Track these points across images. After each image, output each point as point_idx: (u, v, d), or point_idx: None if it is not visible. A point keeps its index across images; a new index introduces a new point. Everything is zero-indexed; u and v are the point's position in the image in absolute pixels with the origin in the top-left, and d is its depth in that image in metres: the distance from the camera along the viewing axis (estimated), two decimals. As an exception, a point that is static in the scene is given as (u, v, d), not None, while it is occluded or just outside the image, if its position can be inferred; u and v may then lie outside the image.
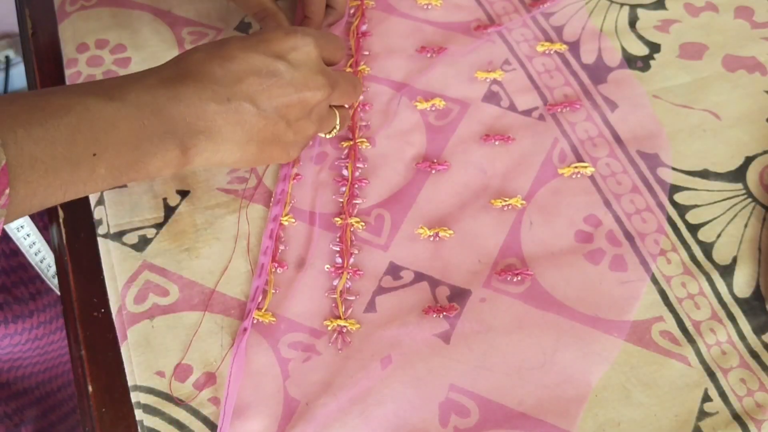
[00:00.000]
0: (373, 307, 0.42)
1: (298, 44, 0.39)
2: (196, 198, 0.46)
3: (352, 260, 0.43)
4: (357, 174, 0.47)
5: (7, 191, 0.30)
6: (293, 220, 0.45)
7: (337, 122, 0.45)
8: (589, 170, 0.46)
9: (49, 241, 0.60)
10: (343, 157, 0.47)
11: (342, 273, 0.43)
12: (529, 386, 0.39)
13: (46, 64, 0.54)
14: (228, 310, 0.42)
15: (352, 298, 0.42)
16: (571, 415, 0.38)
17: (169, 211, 0.45)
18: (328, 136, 0.46)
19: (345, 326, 0.41)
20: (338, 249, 0.44)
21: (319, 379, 0.40)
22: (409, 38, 0.53)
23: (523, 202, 0.45)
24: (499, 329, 0.41)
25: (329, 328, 0.41)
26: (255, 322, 0.41)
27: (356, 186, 0.46)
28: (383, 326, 0.41)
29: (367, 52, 0.52)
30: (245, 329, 0.41)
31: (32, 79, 0.53)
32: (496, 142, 0.47)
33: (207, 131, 0.37)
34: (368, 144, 0.48)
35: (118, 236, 0.44)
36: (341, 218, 0.45)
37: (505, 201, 0.45)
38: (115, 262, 0.44)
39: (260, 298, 0.42)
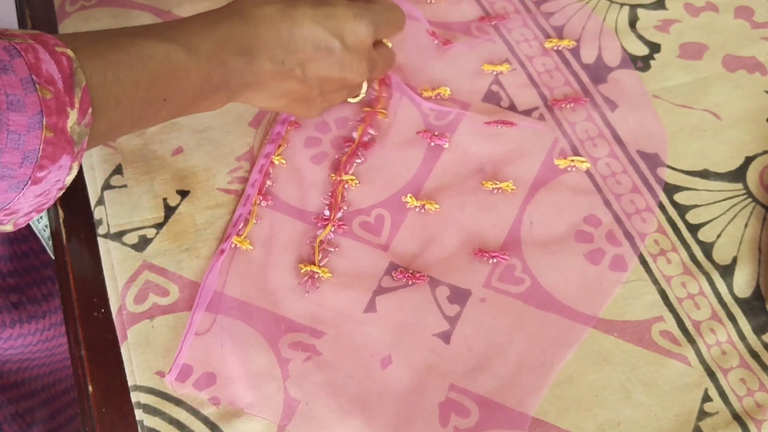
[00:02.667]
0: (373, 307, 0.42)
1: (358, 29, 0.42)
2: (196, 198, 0.46)
3: (339, 214, 0.45)
4: (366, 139, 0.48)
5: (90, 110, 0.31)
6: (284, 162, 0.47)
7: (363, 90, 0.48)
8: (585, 165, 0.46)
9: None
10: (358, 119, 0.49)
11: (327, 224, 0.44)
12: (529, 386, 0.39)
13: (46, 64, 0.53)
14: (228, 310, 0.42)
15: (332, 249, 0.43)
16: (570, 415, 0.38)
17: (169, 211, 0.45)
18: (353, 101, 0.49)
19: (317, 272, 0.42)
20: (328, 203, 0.45)
21: (319, 379, 0.40)
22: (411, 35, 0.53)
23: (514, 187, 0.45)
24: (499, 329, 0.41)
25: (302, 271, 0.42)
26: (233, 246, 0.43)
27: (360, 149, 0.47)
28: (383, 326, 0.41)
29: None
30: (222, 251, 0.43)
31: (32, 79, 0.53)
32: (500, 127, 0.47)
33: (254, 85, 0.40)
34: (385, 114, 0.49)
35: (118, 236, 0.44)
36: (336, 174, 0.46)
37: (497, 184, 0.45)
38: (115, 262, 0.44)
39: (241, 226, 0.44)
